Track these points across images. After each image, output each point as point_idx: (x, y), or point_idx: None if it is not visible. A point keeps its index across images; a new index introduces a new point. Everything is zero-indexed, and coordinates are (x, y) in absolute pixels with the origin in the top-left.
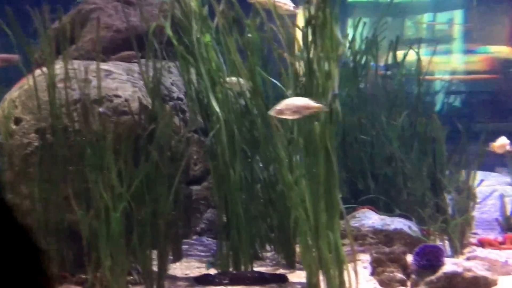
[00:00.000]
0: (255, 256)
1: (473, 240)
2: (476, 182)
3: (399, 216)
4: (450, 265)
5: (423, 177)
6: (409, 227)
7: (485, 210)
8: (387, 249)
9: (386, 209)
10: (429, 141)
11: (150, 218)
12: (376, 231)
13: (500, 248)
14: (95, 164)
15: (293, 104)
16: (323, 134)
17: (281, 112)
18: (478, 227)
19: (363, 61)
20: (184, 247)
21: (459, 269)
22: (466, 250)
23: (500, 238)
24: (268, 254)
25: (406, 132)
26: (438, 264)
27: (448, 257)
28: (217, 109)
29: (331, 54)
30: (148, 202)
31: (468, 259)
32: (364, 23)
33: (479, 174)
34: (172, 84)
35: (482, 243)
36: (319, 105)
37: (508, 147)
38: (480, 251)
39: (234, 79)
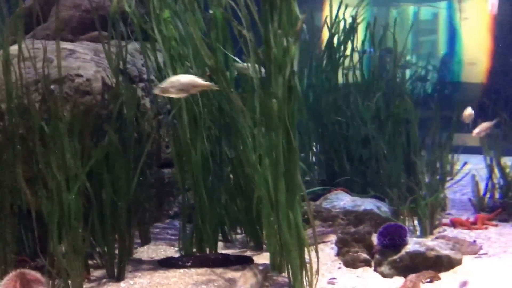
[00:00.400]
0: (225, 239)
1: (445, 221)
2: (458, 164)
3: (373, 197)
4: (413, 244)
5: (398, 159)
6: (378, 208)
7: (466, 192)
8: (352, 229)
9: (361, 191)
10: (402, 123)
11: (110, 201)
12: (347, 212)
13: (471, 229)
14: (49, 145)
15: (179, 81)
16: (281, 112)
17: (166, 90)
18: (453, 208)
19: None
20: (156, 230)
21: (422, 249)
22: (436, 231)
23: (471, 219)
24: (239, 237)
25: (382, 114)
26: (401, 243)
27: (418, 237)
28: None
29: (289, 30)
30: (107, 184)
31: (437, 239)
32: (346, 6)
33: (464, 157)
34: (143, 65)
35: (454, 224)
36: (206, 83)
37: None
38: (450, 231)
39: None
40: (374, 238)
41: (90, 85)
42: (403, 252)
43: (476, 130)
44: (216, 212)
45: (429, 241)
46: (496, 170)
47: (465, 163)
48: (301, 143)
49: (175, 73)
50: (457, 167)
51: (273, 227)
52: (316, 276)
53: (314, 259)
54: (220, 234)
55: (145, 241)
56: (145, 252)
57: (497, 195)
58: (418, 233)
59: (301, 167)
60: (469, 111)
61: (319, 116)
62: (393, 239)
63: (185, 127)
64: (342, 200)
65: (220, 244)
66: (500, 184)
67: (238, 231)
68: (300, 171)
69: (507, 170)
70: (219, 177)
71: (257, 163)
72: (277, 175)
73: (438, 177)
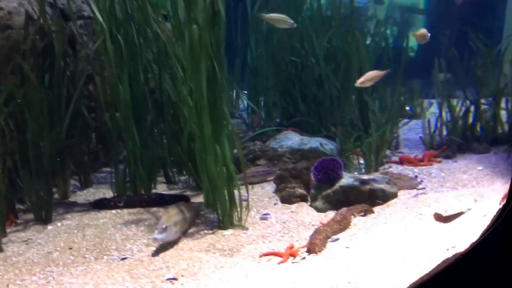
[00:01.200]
0: (168, 180)
1: (396, 159)
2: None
3: (324, 137)
4: (347, 178)
5: (350, 98)
6: (324, 146)
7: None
8: (290, 165)
9: (315, 132)
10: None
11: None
12: (293, 151)
13: (417, 165)
14: None
15: None
16: (202, 39)
17: None
18: (407, 146)
19: None
20: (101, 175)
21: (356, 183)
22: (382, 168)
23: (419, 156)
24: (183, 178)
25: (338, 54)
26: (335, 177)
27: (361, 174)
28: (100, 18)
29: None
30: (30, 126)
31: (381, 174)
32: None
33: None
34: (83, 2)
35: (401, 161)
36: None
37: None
38: (395, 169)
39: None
40: None
41: (11, 19)
42: (337, 186)
43: (360, 80)
44: (151, 153)
45: (365, 176)
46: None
47: (431, 104)
48: (259, 85)
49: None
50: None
51: (203, 162)
52: (246, 212)
53: (251, 197)
54: (164, 176)
55: (86, 184)
56: (83, 196)
57: (444, 133)
58: (363, 170)
59: (253, 107)
60: (422, 32)
61: (274, 56)
62: (327, 173)
63: (110, 60)
64: (290, 139)
65: (163, 186)
66: (447, 121)
67: (185, 172)
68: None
69: (455, 109)
70: (157, 116)
71: (188, 96)
72: (200, 107)
73: (386, 115)
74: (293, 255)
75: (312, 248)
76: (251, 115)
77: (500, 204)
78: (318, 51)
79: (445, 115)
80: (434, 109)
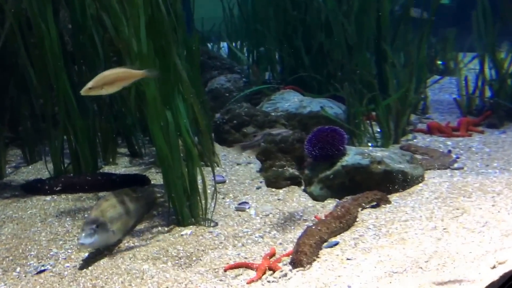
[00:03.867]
0: (133, 153)
1: (421, 126)
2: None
3: (331, 97)
4: (353, 155)
5: (364, 47)
6: (323, 109)
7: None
8: (278, 136)
9: (321, 90)
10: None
11: None
12: (290, 116)
13: (451, 135)
14: None
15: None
16: None
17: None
18: (437, 110)
19: None
20: None
21: (365, 161)
22: (404, 138)
23: (453, 124)
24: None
25: None
26: (335, 153)
27: (377, 147)
28: None
29: None
30: None
31: (401, 148)
32: None
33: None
34: None
35: (430, 129)
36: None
37: None
38: (422, 140)
39: None
40: None
41: None
42: (338, 165)
43: None
44: (91, 122)
45: (379, 152)
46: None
47: (474, 57)
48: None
49: None
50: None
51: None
52: (214, 201)
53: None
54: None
55: (31, 159)
56: (25, 174)
57: (488, 94)
58: (378, 142)
59: (238, 56)
60: None
61: None
62: (325, 148)
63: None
64: (288, 101)
65: (125, 160)
66: (492, 80)
67: None
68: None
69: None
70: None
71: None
72: (141, 57)
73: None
74: (272, 268)
75: (298, 259)
76: (251, 66)
77: None
78: None
79: (488, 71)
80: (474, 64)
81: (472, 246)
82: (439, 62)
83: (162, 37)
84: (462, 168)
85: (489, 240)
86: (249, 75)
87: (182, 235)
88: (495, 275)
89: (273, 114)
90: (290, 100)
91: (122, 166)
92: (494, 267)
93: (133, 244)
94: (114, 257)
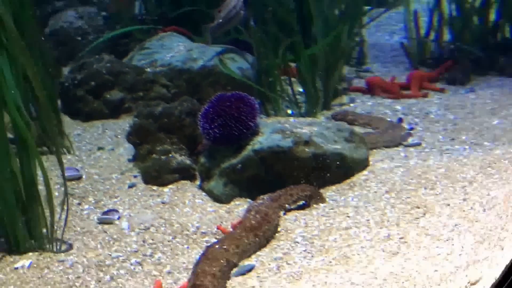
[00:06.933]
0: None
1: (359, 83)
2: None
3: (234, 43)
4: (269, 134)
5: None
6: (221, 62)
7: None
8: (157, 108)
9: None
10: None
11: None
12: (174, 73)
13: (400, 96)
14: None
15: None
16: None
17: None
18: (378, 59)
19: None
20: None
21: (287, 142)
22: (337, 102)
23: (401, 80)
24: None
25: None
26: (243, 133)
27: (299, 116)
28: None
29: None
30: None
31: (335, 118)
32: None
33: None
34: None
35: (371, 87)
36: None
37: None
38: (361, 103)
39: None
40: None
41: None
42: (248, 150)
43: None
44: None
45: (305, 126)
46: None
47: None
48: None
49: None
50: None
51: None
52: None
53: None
54: None
55: None
56: None
57: (446, 37)
58: (302, 109)
59: None
60: None
61: None
62: (228, 125)
63: None
64: (170, 50)
65: None
66: (452, 18)
67: None
68: None
69: None
70: None
71: None
72: None
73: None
74: None
75: None
76: None
77: None
78: None
79: (447, 4)
80: None
81: (438, 261)
82: None
83: None
84: (420, 144)
85: (460, 251)
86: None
87: (16, 268)
88: None
89: (149, 70)
90: (173, 49)
91: None
92: None
93: None
94: None
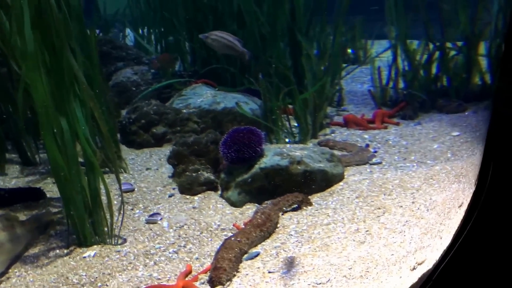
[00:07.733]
0: (25, 160)
1: (338, 119)
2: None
3: (246, 91)
4: (271, 156)
5: (278, 37)
6: (237, 104)
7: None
8: (191, 138)
9: (236, 83)
10: None
11: None
12: (203, 113)
13: (367, 128)
14: None
15: None
16: None
17: None
18: (353, 102)
19: None
20: None
21: (284, 162)
22: (322, 133)
23: (368, 116)
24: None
25: None
26: (252, 156)
27: (296, 143)
28: None
29: None
30: None
31: (319, 144)
32: None
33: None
34: None
35: (347, 122)
36: None
37: None
38: (340, 134)
39: None
40: None
41: None
42: (256, 168)
43: None
44: None
45: (298, 150)
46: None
47: (388, 47)
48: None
49: None
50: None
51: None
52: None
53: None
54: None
55: None
56: None
57: (401, 85)
58: (296, 137)
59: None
60: None
61: None
62: (241, 150)
63: None
64: (200, 96)
65: (16, 167)
66: (405, 71)
67: None
68: None
69: (415, 55)
70: None
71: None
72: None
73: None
74: None
75: (217, 276)
76: (158, 57)
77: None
78: None
79: (401, 62)
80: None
81: (394, 247)
82: (349, 51)
83: (52, 32)
84: (380, 162)
85: (410, 240)
86: (159, 67)
87: (84, 257)
88: (414, 277)
89: (184, 111)
90: (202, 95)
91: (12, 177)
92: (414, 268)
93: (25, 273)
94: None
